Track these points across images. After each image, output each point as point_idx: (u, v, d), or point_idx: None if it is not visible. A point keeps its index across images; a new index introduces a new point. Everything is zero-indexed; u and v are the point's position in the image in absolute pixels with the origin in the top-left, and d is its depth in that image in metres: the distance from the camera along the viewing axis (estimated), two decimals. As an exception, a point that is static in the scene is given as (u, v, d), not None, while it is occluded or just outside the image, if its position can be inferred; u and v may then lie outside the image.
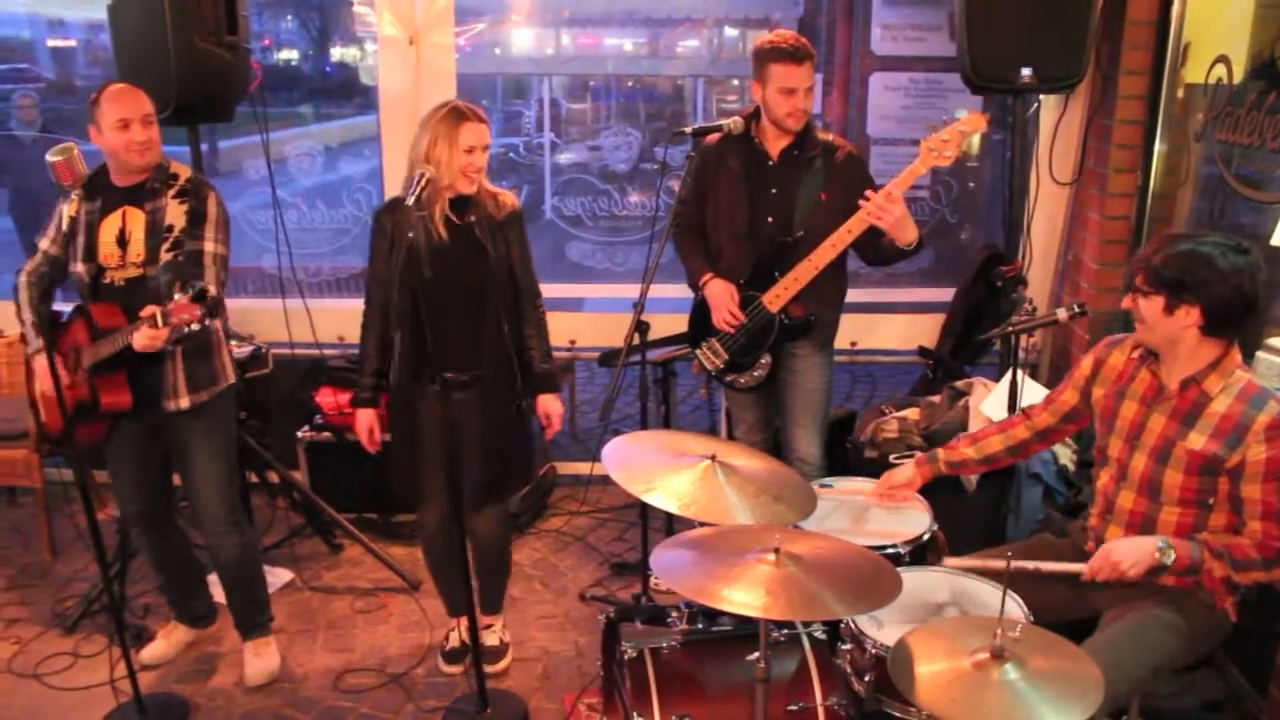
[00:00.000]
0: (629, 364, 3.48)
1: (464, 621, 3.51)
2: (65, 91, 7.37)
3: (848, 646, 2.65)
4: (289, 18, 7.42)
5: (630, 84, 6.40)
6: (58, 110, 7.16)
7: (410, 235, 3.11)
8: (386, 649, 3.91)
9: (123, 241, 3.33)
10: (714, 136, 3.61)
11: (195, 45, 3.85)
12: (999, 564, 2.63)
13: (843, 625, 2.68)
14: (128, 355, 3.18)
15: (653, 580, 3.92)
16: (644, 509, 3.86)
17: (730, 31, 6.23)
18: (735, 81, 6.44)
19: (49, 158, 3.45)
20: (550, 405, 3.52)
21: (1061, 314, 3.13)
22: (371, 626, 4.06)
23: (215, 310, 3.21)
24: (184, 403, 3.41)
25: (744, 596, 2.17)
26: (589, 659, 3.74)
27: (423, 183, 2.98)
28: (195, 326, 3.01)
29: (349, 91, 6.55)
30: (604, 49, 6.50)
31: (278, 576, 4.33)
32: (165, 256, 3.29)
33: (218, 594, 3.90)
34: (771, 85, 3.50)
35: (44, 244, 3.45)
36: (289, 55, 7.58)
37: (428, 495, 3.52)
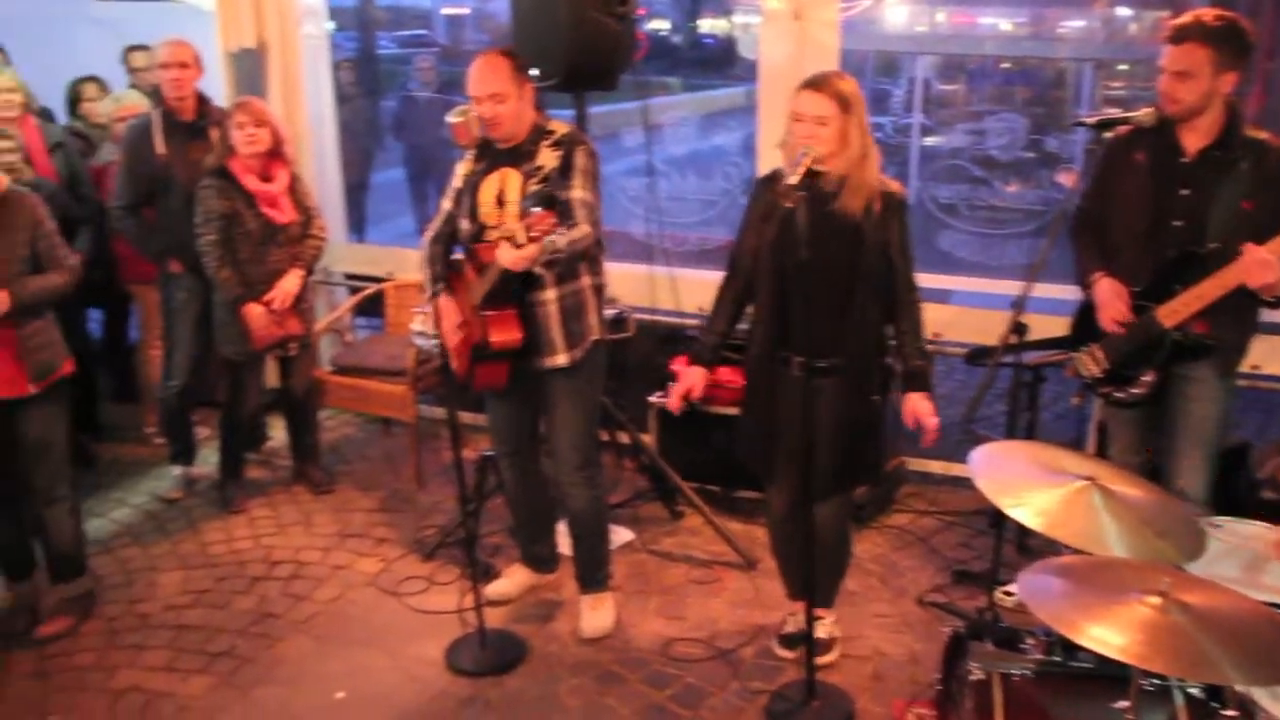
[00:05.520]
0: (1000, 364, 3.28)
1: (802, 607, 3.45)
2: (456, 56, 7.89)
3: (1232, 714, 2.35)
4: (662, -12, 7.57)
5: (1005, 66, 6.03)
6: (450, 73, 7.69)
7: (788, 211, 3.00)
8: (717, 623, 3.92)
9: (501, 202, 3.48)
10: (1122, 129, 3.30)
11: (587, 15, 3.96)
12: None
13: (1228, 688, 2.39)
14: (516, 290, 3.37)
15: (998, 595, 3.70)
16: (998, 519, 3.62)
17: (1122, 11, 5.68)
18: (1123, 66, 5.91)
19: (449, 119, 3.66)
20: (919, 405, 3.27)
21: None
22: (704, 598, 4.08)
23: (566, 215, 3.31)
24: (561, 359, 3.54)
25: (1117, 639, 1.97)
26: (923, 667, 3.58)
27: (806, 160, 2.90)
28: (561, 240, 3.15)
29: (719, 63, 6.59)
30: (979, 28, 6.15)
31: (619, 535, 4.44)
32: (532, 187, 3.41)
33: (563, 545, 4.06)
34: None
35: (446, 204, 3.65)
36: (658, 25, 7.75)
37: (777, 477, 3.47)
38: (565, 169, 3.43)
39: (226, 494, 4.87)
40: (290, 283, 4.52)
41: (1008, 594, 3.85)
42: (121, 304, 5.63)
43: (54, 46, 6.06)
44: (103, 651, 3.82)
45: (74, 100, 5.62)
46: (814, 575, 3.42)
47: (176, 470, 5.03)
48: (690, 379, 3.44)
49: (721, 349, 3.48)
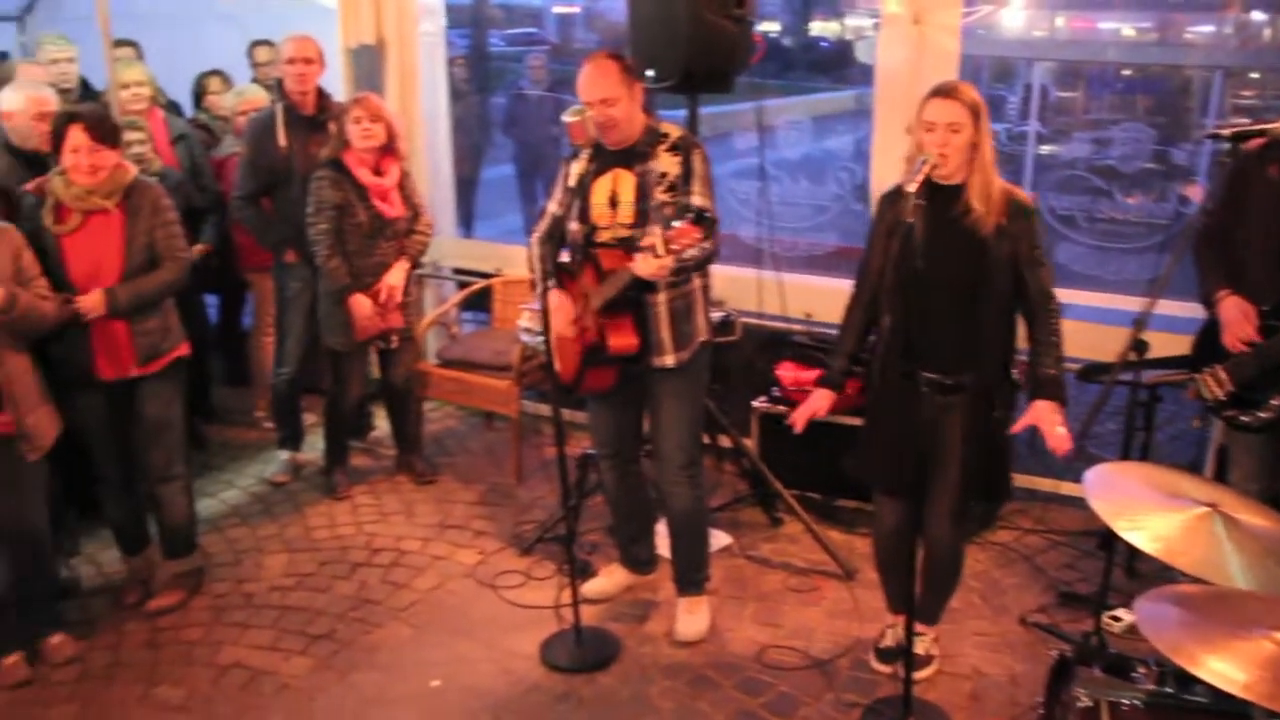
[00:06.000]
0: (1116, 382, 3.17)
1: (901, 621, 3.39)
2: (567, 55, 7.90)
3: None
4: (772, -10, 7.51)
5: (1126, 73, 5.81)
6: (560, 71, 7.71)
7: (909, 225, 2.90)
8: (813, 632, 3.88)
9: (613, 203, 3.49)
10: (1257, 141, 3.17)
11: (705, 18, 3.95)
12: None
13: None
14: (632, 296, 3.37)
15: (1105, 620, 3.59)
16: (1108, 541, 3.52)
17: (1257, 15, 5.40)
18: (1254, 74, 5.65)
19: (565, 118, 3.67)
20: (1044, 415, 3.09)
21: None
22: (801, 607, 4.04)
23: (711, 232, 3.27)
24: (669, 360, 3.54)
25: (1240, 675, 1.90)
26: (1024, 689, 3.50)
27: (925, 168, 2.84)
28: (694, 252, 3.15)
29: (831, 65, 6.50)
30: (1099, 33, 5.92)
31: (716, 539, 4.40)
32: (661, 196, 3.41)
33: (661, 547, 4.05)
34: None
35: (551, 206, 3.67)
36: (768, 27, 7.67)
37: (892, 490, 3.41)
38: (686, 175, 3.43)
39: (331, 480, 4.97)
40: (396, 276, 4.60)
41: (1115, 619, 3.73)
42: (237, 291, 5.79)
43: (183, 42, 6.26)
44: (210, 627, 3.94)
45: (199, 93, 5.79)
46: (922, 592, 3.37)
47: (284, 455, 5.14)
48: (818, 402, 3.39)
49: (850, 371, 3.41)
